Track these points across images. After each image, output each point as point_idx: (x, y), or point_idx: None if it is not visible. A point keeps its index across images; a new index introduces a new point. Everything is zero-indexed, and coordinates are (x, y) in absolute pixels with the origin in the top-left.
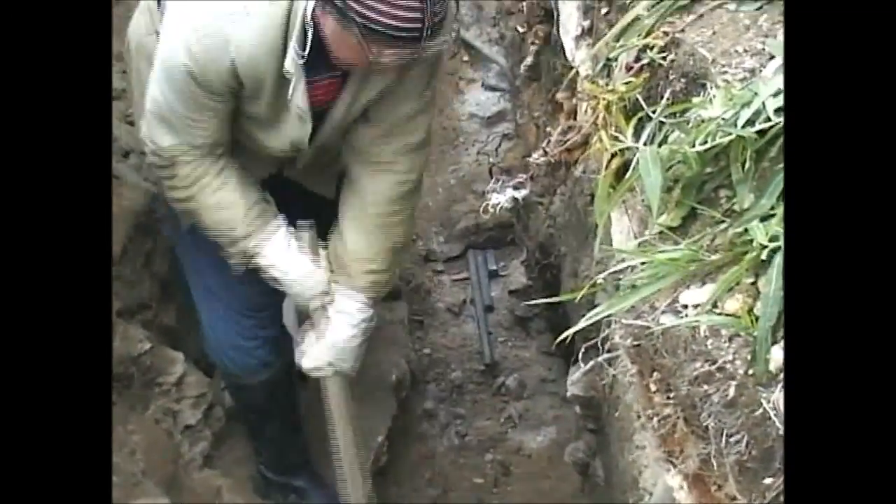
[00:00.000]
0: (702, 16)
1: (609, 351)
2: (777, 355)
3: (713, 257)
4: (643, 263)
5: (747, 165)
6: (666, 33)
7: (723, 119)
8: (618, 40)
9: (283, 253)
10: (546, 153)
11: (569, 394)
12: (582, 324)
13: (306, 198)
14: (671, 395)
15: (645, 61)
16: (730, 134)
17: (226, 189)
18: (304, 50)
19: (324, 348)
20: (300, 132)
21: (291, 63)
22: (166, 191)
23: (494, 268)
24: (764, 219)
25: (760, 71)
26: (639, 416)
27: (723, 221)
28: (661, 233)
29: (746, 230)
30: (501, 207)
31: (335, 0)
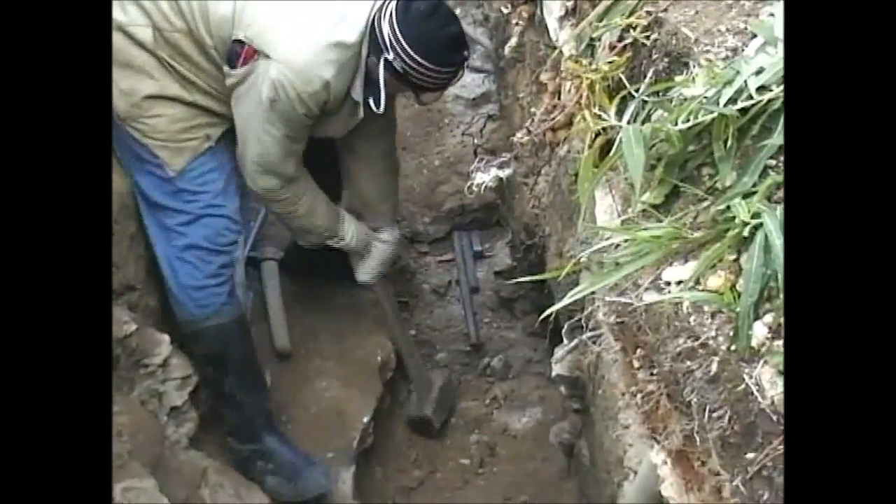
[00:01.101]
0: None
1: (593, 329)
2: (759, 331)
3: (696, 234)
4: (626, 241)
5: (729, 143)
6: (649, 13)
7: (705, 97)
8: (601, 20)
9: (354, 230)
10: (529, 132)
11: (553, 374)
12: (565, 301)
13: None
14: (654, 371)
15: (628, 41)
16: (712, 112)
17: (312, 194)
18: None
19: (374, 263)
20: (346, 126)
21: (358, 94)
22: (270, 207)
23: (479, 249)
24: (746, 196)
25: (742, 50)
26: (623, 395)
27: (705, 199)
28: (644, 211)
29: (728, 207)
30: (486, 187)
31: (394, 65)
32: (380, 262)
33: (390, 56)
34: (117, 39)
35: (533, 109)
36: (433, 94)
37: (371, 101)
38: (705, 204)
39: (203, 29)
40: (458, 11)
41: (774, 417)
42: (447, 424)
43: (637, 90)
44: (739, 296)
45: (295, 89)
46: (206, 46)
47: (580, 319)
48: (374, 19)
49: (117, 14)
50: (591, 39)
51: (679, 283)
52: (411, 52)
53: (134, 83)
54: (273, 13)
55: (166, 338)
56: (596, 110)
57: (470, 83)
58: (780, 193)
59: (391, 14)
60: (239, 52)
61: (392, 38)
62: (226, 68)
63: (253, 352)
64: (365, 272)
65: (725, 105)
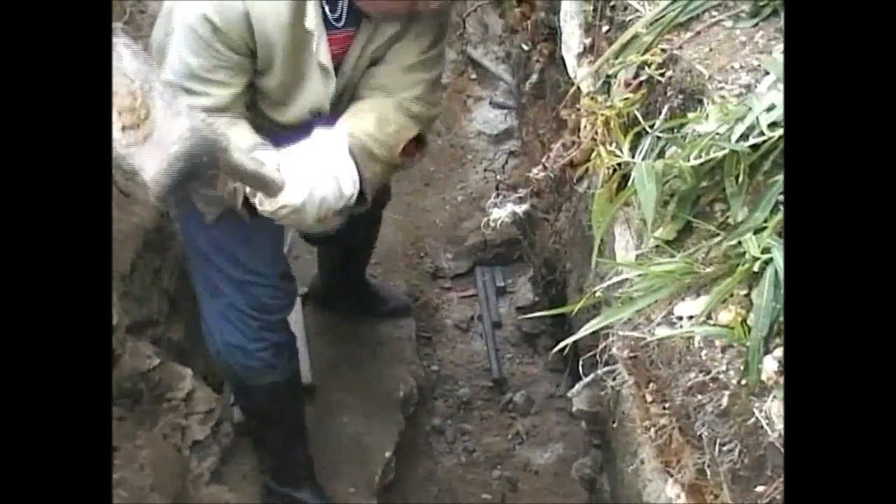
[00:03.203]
0: (699, 33)
1: (607, 363)
2: (769, 365)
3: (707, 269)
4: (639, 276)
5: (741, 179)
6: (664, 50)
7: (717, 134)
8: (617, 57)
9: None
10: (546, 168)
11: (574, 408)
12: (579, 334)
13: None
14: (666, 405)
15: (643, 78)
16: (724, 148)
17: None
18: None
19: None
20: (323, 92)
21: (313, 19)
22: None
23: (502, 284)
24: (757, 231)
25: (755, 86)
26: (639, 429)
27: (717, 234)
28: (657, 246)
29: (740, 243)
30: (502, 222)
31: None
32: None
33: None
34: None
35: (552, 145)
36: None
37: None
38: (717, 239)
39: None
40: (480, 48)
41: (783, 451)
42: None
43: (651, 126)
44: (750, 330)
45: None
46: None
47: (595, 354)
48: None
49: None
50: (608, 76)
51: (691, 317)
52: None
53: None
54: None
55: (189, 372)
56: (611, 146)
57: (492, 119)
58: None
59: None
60: None
61: None
62: None
63: (300, 409)
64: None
65: (737, 141)
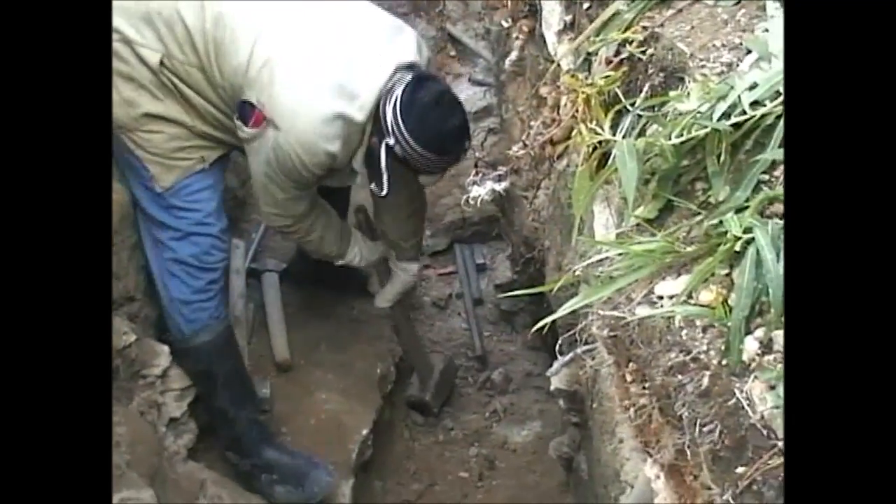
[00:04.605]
0: (681, 11)
1: (587, 342)
2: (750, 346)
3: (688, 249)
4: (620, 255)
5: (722, 158)
6: (645, 28)
7: (699, 112)
8: (598, 35)
9: (359, 249)
10: (526, 146)
11: (552, 387)
12: (560, 313)
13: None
14: (646, 385)
15: (624, 55)
16: (705, 127)
17: (323, 224)
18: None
19: (393, 291)
20: (351, 178)
21: (359, 165)
22: (284, 238)
23: (482, 261)
24: (738, 211)
25: (737, 65)
26: (619, 409)
27: (698, 213)
28: (638, 225)
29: (721, 222)
30: (482, 200)
31: (395, 150)
32: (398, 291)
33: (391, 141)
34: (125, 52)
35: (532, 123)
36: (433, 177)
37: (373, 185)
38: (698, 218)
39: (216, 69)
40: (459, 25)
41: (764, 432)
42: (444, 407)
43: (632, 104)
44: (731, 310)
45: (300, 158)
46: (216, 85)
47: (574, 333)
48: (380, 101)
49: (130, 30)
50: (588, 54)
51: (671, 297)
52: (412, 142)
53: (136, 97)
54: (285, 75)
55: (166, 349)
56: (592, 124)
57: (471, 96)
58: (773, 208)
59: (396, 100)
60: (250, 113)
61: (395, 126)
62: (237, 122)
63: (242, 366)
64: (383, 298)
65: (719, 120)
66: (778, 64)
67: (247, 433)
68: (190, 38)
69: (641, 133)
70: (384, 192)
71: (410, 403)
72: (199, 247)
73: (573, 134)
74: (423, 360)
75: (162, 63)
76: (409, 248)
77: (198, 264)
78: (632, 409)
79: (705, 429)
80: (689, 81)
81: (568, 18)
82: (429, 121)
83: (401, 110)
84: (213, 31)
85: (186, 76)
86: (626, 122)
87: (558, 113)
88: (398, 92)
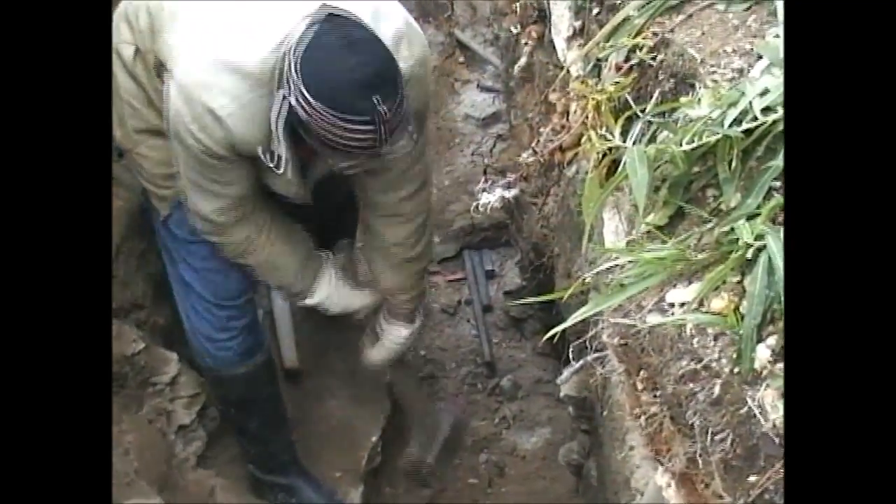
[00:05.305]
0: (691, 16)
1: (597, 350)
2: (762, 354)
3: (699, 256)
4: (630, 262)
5: (734, 165)
6: (655, 34)
7: (710, 118)
8: (608, 40)
9: (330, 292)
10: (536, 153)
11: (562, 394)
12: (570, 321)
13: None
14: (658, 393)
15: (634, 61)
16: (717, 133)
17: (275, 247)
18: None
19: (379, 358)
20: (297, 189)
21: (278, 147)
22: (223, 249)
23: (491, 268)
24: (750, 218)
25: (748, 71)
26: (629, 416)
27: (709, 220)
28: (648, 232)
29: (732, 229)
30: (491, 207)
31: (295, 109)
32: (385, 358)
33: (291, 97)
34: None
35: (542, 130)
36: (343, 158)
37: (266, 157)
38: (709, 226)
39: (150, 45)
40: (468, 31)
41: (776, 440)
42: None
43: (643, 111)
44: (743, 318)
45: (179, 112)
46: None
47: (585, 340)
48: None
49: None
50: (598, 60)
51: (682, 304)
52: (304, 92)
53: (124, 114)
54: (185, 19)
55: (174, 356)
56: (602, 131)
57: (480, 103)
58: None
59: (295, 42)
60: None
61: (290, 73)
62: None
63: (277, 394)
64: (373, 358)
65: (730, 126)
66: None
67: (279, 455)
68: (150, 23)
69: (652, 139)
70: (281, 169)
71: (407, 470)
72: (213, 285)
73: (583, 140)
74: (427, 417)
75: (136, 55)
76: (403, 303)
77: (214, 300)
78: (642, 418)
79: (717, 437)
80: (700, 87)
81: (577, 24)
82: (327, 66)
83: (301, 56)
84: (159, 11)
85: (147, 66)
86: (637, 128)
87: (568, 119)
88: (307, 37)
